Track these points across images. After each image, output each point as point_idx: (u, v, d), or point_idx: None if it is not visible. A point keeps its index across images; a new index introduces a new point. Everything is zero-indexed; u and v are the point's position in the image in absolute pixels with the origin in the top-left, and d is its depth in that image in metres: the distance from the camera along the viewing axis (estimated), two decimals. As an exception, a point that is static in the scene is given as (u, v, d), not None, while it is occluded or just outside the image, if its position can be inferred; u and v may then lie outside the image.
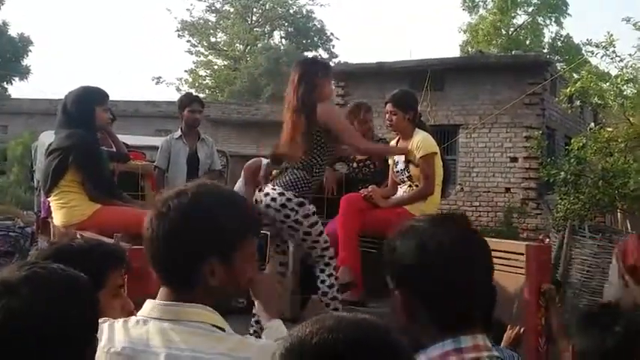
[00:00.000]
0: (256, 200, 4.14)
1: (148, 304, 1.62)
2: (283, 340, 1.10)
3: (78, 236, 4.12)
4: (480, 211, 14.69)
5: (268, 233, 1.90)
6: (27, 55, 35.88)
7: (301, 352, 1.04)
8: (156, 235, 1.59)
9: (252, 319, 3.80)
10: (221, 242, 1.62)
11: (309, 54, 38.78)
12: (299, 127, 4.08)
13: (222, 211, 1.63)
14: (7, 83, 35.47)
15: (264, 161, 5.01)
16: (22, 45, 35.54)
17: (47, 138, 6.46)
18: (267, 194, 4.07)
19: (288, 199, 4.03)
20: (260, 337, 2.08)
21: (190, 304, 1.58)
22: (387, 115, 4.63)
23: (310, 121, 4.06)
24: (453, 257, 1.49)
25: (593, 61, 16.93)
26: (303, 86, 4.10)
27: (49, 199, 4.52)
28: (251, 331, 3.70)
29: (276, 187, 4.11)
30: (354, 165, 5.28)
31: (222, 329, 1.60)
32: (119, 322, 1.64)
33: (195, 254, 1.59)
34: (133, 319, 1.63)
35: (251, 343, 1.63)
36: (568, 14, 34.70)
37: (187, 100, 6.21)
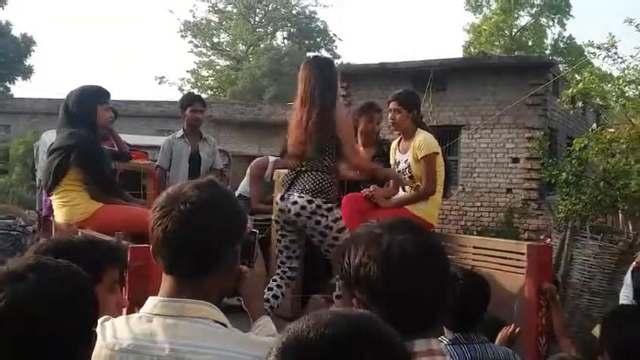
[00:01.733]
0: (281, 210, 4.16)
1: (151, 301, 1.63)
2: (279, 336, 1.10)
3: (79, 233, 4.14)
4: (481, 212, 14.68)
5: (257, 231, 1.92)
6: (30, 55, 35.93)
7: (298, 347, 1.05)
8: (179, 219, 1.59)
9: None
10: (237, 233, 1.69)
11: (312, 54, 38.83)
12: (318, 127, 4.11)
13: (237, 204, 1.74)
14: (9, 83, 35.53)
15: (271, 159, 5.03)
16: (25, 45, 35.59)
17: (49, 137, 6.48)
18: (294, 202, 4.12)
19: (318, 206, 4.13)
20: None
21: (193, 300, 1.59)
22: (391, 114, 4.63)
23: (331, 121, 4.10)
24: (409, 267, 1.47)
25: (596, 62, 16.95)
26: (321, 85, 4.13)
27: (50, 197, 4.53)
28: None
29: (302, 194, 4.14)
30: (356, 165, 5.28)
31: (224, 325, 1.61)
32: (121, 319, 1.65)
33: (223, 242, 1.64)
34: (135, 315, 1.64)
35: (254, 340, 1.64)
36: (571, 15, 34.77)
37: (189, 100, 6.23)
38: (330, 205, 4.18)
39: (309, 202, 4.11)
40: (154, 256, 1.66)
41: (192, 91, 37.22)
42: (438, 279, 1.51)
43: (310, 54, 37.35)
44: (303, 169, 4.24)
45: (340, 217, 4.23)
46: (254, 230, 1.86)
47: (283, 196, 4.23)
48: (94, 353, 1.51)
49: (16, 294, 1.33)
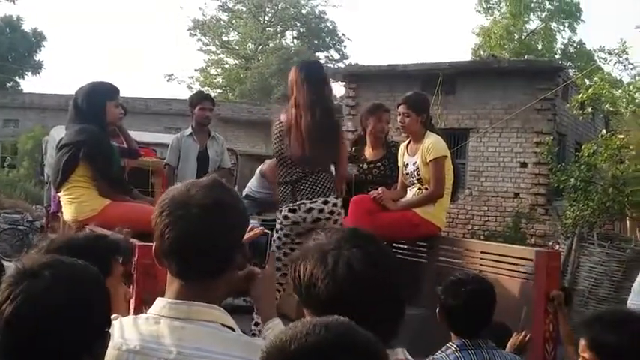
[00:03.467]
0: (295, 222, 4.10)
1: (159, 302, 1.62)
2: (262, 351, 1.14)
3: (87, 230, 4.15)
4: (488, 216, 14.64)
5: (269, 232, 1.89)
6: (40, 50, 36.15)
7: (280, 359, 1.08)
8: (192, 223, 1.58)
9: (252, 322, 3.77)
10: (244, 233, 1.69)
11: (321, 55, 38.86)
12: (327, 130, 4.10)
13: (242, 203, 1.75)
14: (19, 78, 35.71)
15: None
16: (36, 40, 35.78)
17: (58, 133, 6.49)
18: (309, 210, 4.07)
19: (335, 205, 4.14)
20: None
21: (202, 304, 1.58)
22: (400, 117, 4.61)
23: (338, 125, 4.11)
24: (357, 285, 1.46)
25: (606, 67, 16.86)
26: (322, 89, 4.13)
27: (59, 194, 4.53)
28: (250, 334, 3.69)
29: (314, 198, 4.10)
30: (364, 166, 5.27)
31: (232, 329, 1.61)
32: (129, 319, 1.64)
33: (232, 243, 1.64)
34: (142, 316, 1.63)
35: (260, 345, 1.63)
36: (581, 20, 34.63)
37: (198, 98, 6.23)
38: (340, 200, 4.21)
39: (325, 202, 4.08)
40: (159, 259, 1.64)
41: (201, 89, 37.32)
42: (389, 294, 1.49)
43: (318, 55, 37.45)
44: (308, 172, 4.14)
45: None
46: (266, 231, 1.83)
47: (292, 208, 4.10)
48: None
49: (31, 291, 1.34)
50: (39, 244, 1.92)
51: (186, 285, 1.60)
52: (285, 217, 4.15)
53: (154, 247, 1.65)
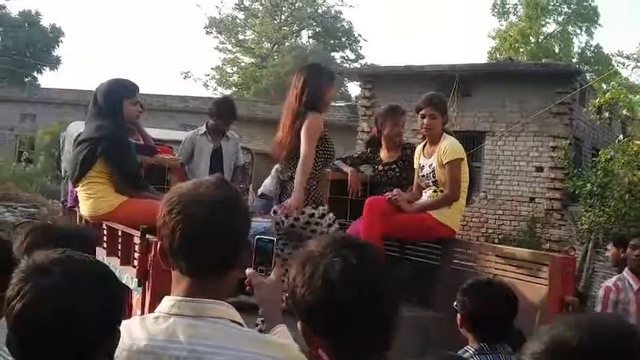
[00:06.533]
0: (277, 222, 4.07)
1: (167, 301, 1.62)
2: (536, 342, 1.16)
3: (104, 226, 4.17)
4: (502, 220, 14.57)
5: (274, 239, 1.90)
6: (58, 46, 36.37)
7: (565, 353, 1.11)
8: (203, 221, 1.58)
9: (258, 319, 3.77)
10: (249, 230, 1.70)
11: (336, 54, 38.86)
12: (292, 133, 4.10)
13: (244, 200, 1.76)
14: (37, 73, 35.96)
15: None
16: (54, 35, 36.02)
17: (76, 128, 6.52)
18: (286, 216, 4.00)
19: (311, 215, 4.06)
20: None
21: (211, 300, 1.59)
22: (426, 119, 4.51)
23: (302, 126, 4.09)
24: (332, 295, 1.43)
25: (624, 72, 16.72)
26: (307, 93, 4.11)
27: (76, 189, 4.56)
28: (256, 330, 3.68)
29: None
30: (380, 168, 5.27)
31: (241, 325, 1.62)
32: (136, 320, 1.65)
33: (241, 240, 1.66)
34: (150, 315, 1.63)
35: (270, 341, 1.65)
36: (599, 24, 34.40)
37: (225, 116, 6.12)
38: (322, 209, 4.10)
39: (301, 212, 4.02)
40: (165, 258, 1.64)
41: (217, 88, 37.44)
42: (367, 306, 1.44)
43: (334, 54, 37.40)
44: (286, 177, 4.20)
45: (334, 220, 4.16)
46: (272, 238, 1.84)
47: (275, 210, 4.10)
48: None
49: (41, 288, 1.33)
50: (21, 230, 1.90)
51: (196, 283, 1.60)
52: (271, 216, 4.17)
53: (159, 246, 1.65)
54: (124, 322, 1.60)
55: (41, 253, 1.42)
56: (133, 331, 1.58)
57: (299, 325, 1.51)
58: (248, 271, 1.84)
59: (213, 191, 1.62)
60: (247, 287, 1.88)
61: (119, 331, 1.45)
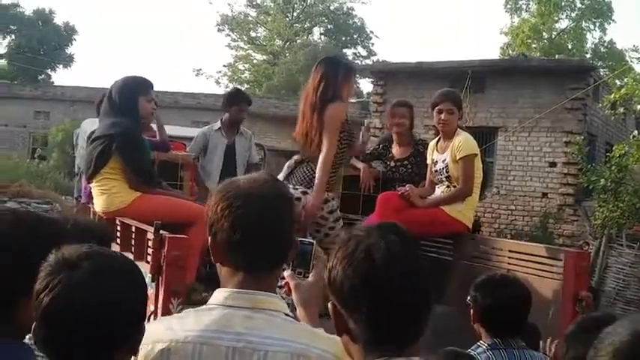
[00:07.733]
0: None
1: (220, 293, 1.62)
2: (614, 335, 1.17)
3: (117, 222, 4.19)
4: (515, 215, 14.51)
5: (314, 242, 1.89)
6: (71, 44, 36.61)
7: None
8: (264, 215, 1.61)
9: None
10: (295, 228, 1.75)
11: (348, 51, 38.80)
12: (313, 124, 4.15)
13: None
14: (50, 70, 36.22)
15: None
16: (67, 33, 36.26)
17: (89, 125, 6.57)
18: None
19: (325, 201, 4.09)
20: None
21: (265, 293, 1.60)
22: (444, 114, 4.47)
23: (325, 115, 4.13)
24: (370, 274, 1.40)
25: (638, 68, 16.60)
26: (323, 86, 4.14)
27: (90, 185, 4.59)
28: None
29: (297, 186, 4.14)
30: (392, 164, 5.26)
31: (292, 317, 1.64)
32: (189, 312, 1.64)
33: (293, 236, 1.71)
34: (204, 307, 1.63)
35: (323, 335, 1.64)
36: (612, 20, 34.15)
37: (236, 99, 6.19)
38: (325, 197, 4.12)
39: (304, 193, 4.07)
40: (219, 253, 1.64)
41: (237, 87, 37.46)
42: (405, 288, 1.41)
43: (345, 51, 37.36)
44: (304, 160, 4.31)
45: (337, 208, 4.20)
46: (311, 241, 1.83)
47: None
48: (164, 347, 1.53)
49: (69, 282, 1.34)
50: None
51: (251, 276, 1.61)
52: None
53: (214, 241, 1.63)
54: (175, 315, 1.63)
55: (69, 247, 1.42)
56: (187, 322, 1.59)
57: (329, 306, 1.48)
58: (286, 273, 1.83)
59: (271, 187, 1.65)
60: (284, 288, 1.88)
61: (144, 327, 1.45)
